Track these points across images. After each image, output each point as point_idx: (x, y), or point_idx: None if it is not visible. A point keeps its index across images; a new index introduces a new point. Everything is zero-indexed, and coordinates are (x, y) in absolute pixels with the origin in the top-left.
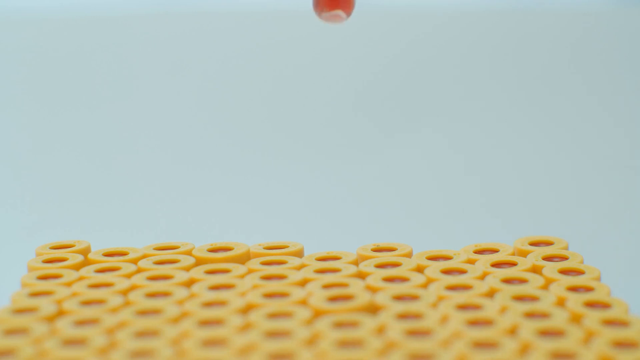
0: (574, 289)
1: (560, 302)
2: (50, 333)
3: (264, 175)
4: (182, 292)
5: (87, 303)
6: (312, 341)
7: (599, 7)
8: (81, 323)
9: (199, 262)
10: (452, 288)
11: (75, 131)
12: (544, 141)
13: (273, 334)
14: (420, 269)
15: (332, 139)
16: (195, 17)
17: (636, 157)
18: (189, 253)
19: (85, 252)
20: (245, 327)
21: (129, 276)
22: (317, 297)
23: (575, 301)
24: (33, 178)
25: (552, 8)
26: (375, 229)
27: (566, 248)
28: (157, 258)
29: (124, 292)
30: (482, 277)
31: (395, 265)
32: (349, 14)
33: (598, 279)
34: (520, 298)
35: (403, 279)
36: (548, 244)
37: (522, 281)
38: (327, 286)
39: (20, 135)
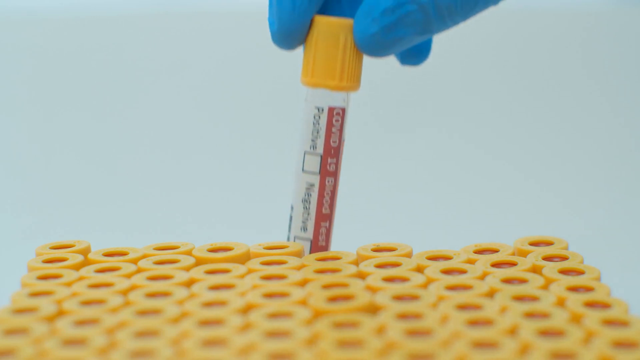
0: (574, 289)
1: (560, 302)
2: (50, 333)
3: (265, 175)
4: (182, 292)
5: (87, 303)
6: (312, 341)
7: (599, 7)
8: (81, 323)
9: (199, 262)
10: (452, 288)
11: (75, 131)
12: (544, 141)
13: (273, 334)
14: (420, 269)
15: None
16: (195, 17)
17: (636, 157)
18: (189, 253)
19: (85, 252)
20: (245, 327)
21: (129, 276)
22: (317, 297)
23: (575, 301)
24: (33, 178)
25: (553, 8)
26: (375, 229)
27: (566, 248)
28: (157, 258)
29: (124, 292)
30: (482, 277)
31: (395, 265)
32: None
33: (598, 279)
34: (520, 298)
35: (403, 279)
36: (548, 244)
37: (522, 281)
38: (327, 286)
39: (20, 135)
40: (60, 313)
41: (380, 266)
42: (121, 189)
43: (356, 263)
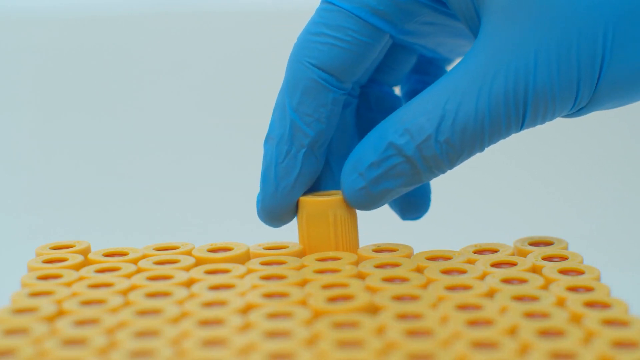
0: (573, 289)
1: (560, 302)
2: (50, 333)
3: None
4: (182, 292)
5: (87, 303)
6: (312, 341)
7: None
8: (81, 323)
9: (199, 262)
10: (452, 288)
11: (75, 132)
12: (545, 141)
13: (273, 334)
14: (420, 269)
15: None
16: (195, 17)
17: (636, 157)
18: (188, 253)
19: (85, 252)
20: (245, 327)
21: (129, 276)
22: (317, 297)
23: (575, 301)
24: (33, 178)
25: None
26: (375, 229)
27: (566, 248)
28: (157, 258)
29: (124, 292)
30: (482, 277)
31: (395, 265)
32: None
33: (598, 279)
34: (520, 298)
35: (403, 279)
36: (548, 244)
37: (522, 281)
38: (326, 286)
39: (21, 135)
40: (60, 313)
41: (379, 266)
42: (121, 189)
43: (356, 263)
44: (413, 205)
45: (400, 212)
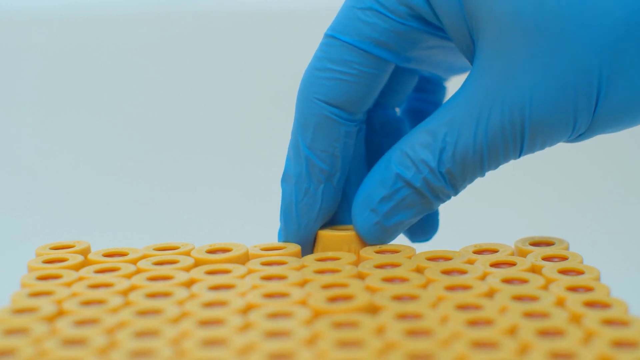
0: (573, 289)
1: (560, 302)
2: (50, 333)
3: (265, 176)
4: (182, 293)
5: (87, 303)
6: (312, 341)
7: None
8: (81, 323)
9: (198, 263)
10: (452, 288)
11: (76, 132)
12: None
13: (273, 334)
14: (420, 270)
15: None
16: (195, 17)
17: (637, 157)
18: (188, 253)
19: (85, 252)
20: (245, 327)
21: (128, 276)
22: (317, 297)
23: (574, 301)
24: (34, 178)
25: None
26: None
27: (566, 248)
28: (157, 259)
29: (124, 293)
30: (482, 277)
31: (395, 265)
32: None
33: (598, 279)
34: (520, 298)
35: (403, 279)
36: (548, 244)
37: (522, 281)
38: (326, 286)
39: (21, 135)
40: (60, 313)
41: (379, 267)
42: (121, 189)
43: (356, 264)
44: (422, 227)
45: (410, 235)
